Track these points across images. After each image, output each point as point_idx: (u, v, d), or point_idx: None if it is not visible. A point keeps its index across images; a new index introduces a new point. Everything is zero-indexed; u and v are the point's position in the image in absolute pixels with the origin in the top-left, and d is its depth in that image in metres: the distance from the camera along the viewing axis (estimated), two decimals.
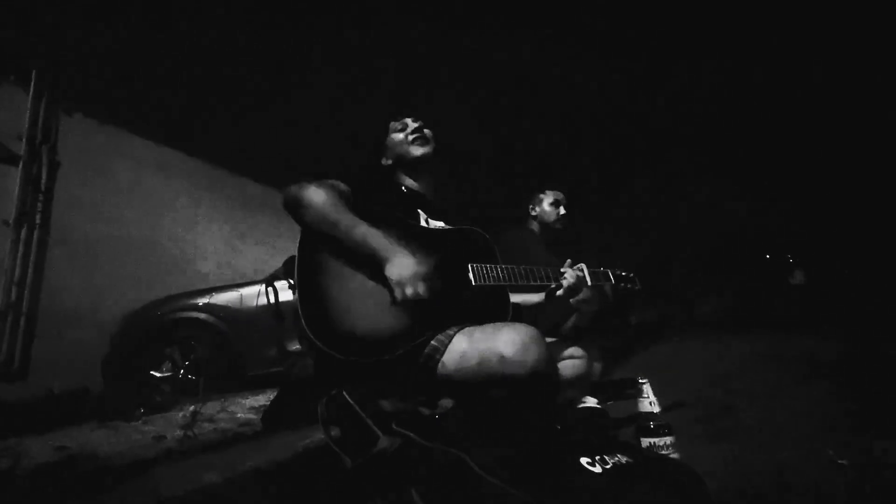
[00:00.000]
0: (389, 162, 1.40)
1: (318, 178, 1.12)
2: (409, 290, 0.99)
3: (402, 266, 1.01)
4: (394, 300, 1.01)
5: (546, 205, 2.35)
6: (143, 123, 4.77)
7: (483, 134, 6.30)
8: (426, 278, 1.01)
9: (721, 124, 7.08)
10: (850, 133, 6.65)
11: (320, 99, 5.36)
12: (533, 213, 2.38)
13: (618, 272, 1.45)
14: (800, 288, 7.83)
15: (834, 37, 5.34)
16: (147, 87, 4.57)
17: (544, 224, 2.35)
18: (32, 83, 4.05)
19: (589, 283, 1.32)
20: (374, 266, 1.04)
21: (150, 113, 4.74)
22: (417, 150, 1.34)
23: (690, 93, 6.47)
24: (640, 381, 1.33)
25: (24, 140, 3.96)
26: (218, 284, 3.84)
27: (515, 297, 1.31)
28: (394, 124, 1.40)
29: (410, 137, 1.35)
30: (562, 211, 2.34)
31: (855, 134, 6.63)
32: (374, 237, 1.04)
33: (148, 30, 4.14)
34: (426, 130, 1.37)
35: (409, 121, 1.38)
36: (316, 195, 1.06)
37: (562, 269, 1.29)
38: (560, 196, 2.37)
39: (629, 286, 1.46)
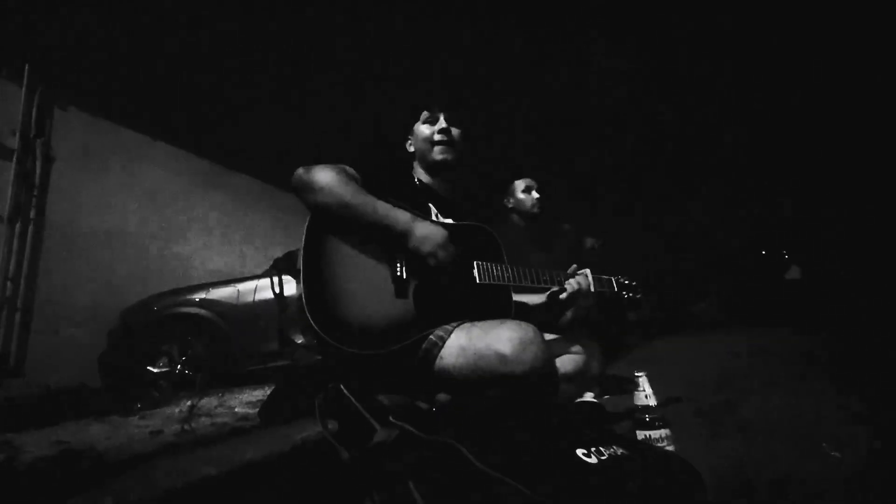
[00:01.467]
0: (412, 150, 1.38)
1: (326, 163, 1.09)
2: (441, 254, 0.99)
3: (430, 232, 1.02)
4: (396, 282, 1.00)
5: (519, 193, 2.33)
6: (137, 118, 4.74)
7: (478, 139, 6.29)
8: (452, 241, 1.02)
9: (717, 122, 7.09)
10: (847, 129, 6.68)
11: (318, 95, 5.33)
12: (509, 206, 2.36)
13: (621, 280, 1.45)
14: (795, 284, 7.86)
15: (830, 33, 5.35)
16: (142, 82, 4.54)
17: (522, 213, 2.33)
18: (26, 77, 4.02)
19: (592, 289, 1.32)
20: (382, 252, 1.04)
21: (144, 107, 4.70)
22: (438, 156, 1.31)
23: (686, 90, 6.47)
24: (637, 374, 1.34)
25: (17, 135, 3.93)
26: (214, 280, 3.83)
27: (517, 296, 1.31)
28: (426, 113, 1.35)
29: (436, 138, 1.31)
30: (535, 195, 2.31)
31: (852, 130, 6.65)
32: (392, 210, 1.04)
33: (143, 23, 4.11)
34: (455, 131, 1.33)
35: (441, 118, 1.33)
36: (327, 176, 1.04)
37: (567, 272, 1.30)
38: (530, 181, 2.34)
39: (632, 294, 1.46)
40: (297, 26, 4.59)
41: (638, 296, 1.47)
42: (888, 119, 5.96)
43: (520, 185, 2.34)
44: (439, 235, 1.04)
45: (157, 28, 4.18)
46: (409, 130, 1.39)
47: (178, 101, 4.77)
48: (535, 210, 2.31)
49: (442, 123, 1.32)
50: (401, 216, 1.04)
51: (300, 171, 1.07)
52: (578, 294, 1.27)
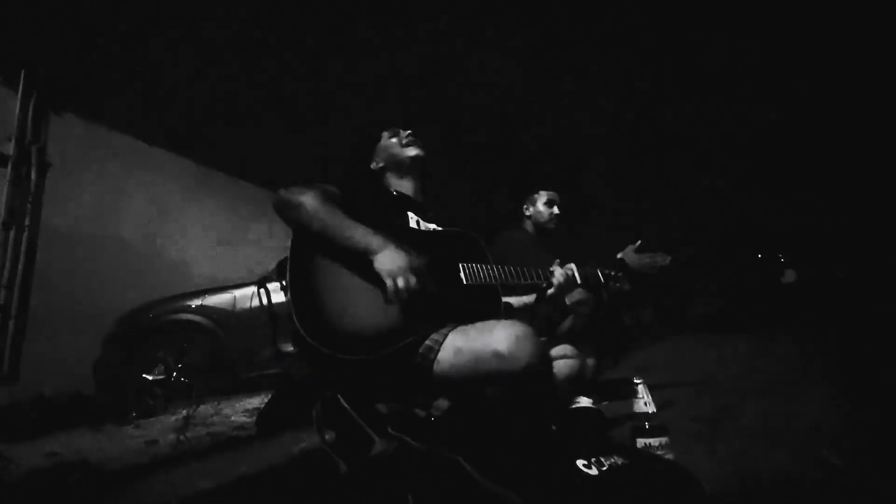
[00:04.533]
0: (381, 164, 1.43)
1: (306, 182, 1.14)
2: (400, 282, 0.99)
3: (392, 258, 1.02)
4: (386, 296, 1.02)
5: (540, 205, 2.37)
6: (134, 123, 4.72)
7: (483, 133, 6.32)
8: (417, 272, 1.02)
9: (715, 123, 7.13)
10: (844, 131, 6.72)
11: (314, 101, 5.33)
12: (527, 213, 2.40)
13: (606, 271, 1.47)
14: (791, 287, 7.90)
15: (831, 34, 5.39)
16: (138, 87, 4.53)
17: (538, 224, 2.37)
18: (21, 83, 3.99)
19: (579, 281, 1.34)
20: (365, 263, 1.05)
21: (140, 113, 4.69)
22: (411, 151, 1.38)
23: (685, 91, 6.51)
24: (635, 381, 1.33)
25: (13, 141, 3.90)
26: (211, 286, 3.81)
27: (508, 299, 1.32)
28: (386, 133, 1.44)
29: (404, 141, 1.39)
30: (555, 210, 2.36)
31: (850, 132, 6.70)
32: (363, 234, 1.05)
33: (140, 28, 4.10)
34: (418, 139, 1.41)
35: (400, 130, 1.43)
36: (305, 197, 1.08)
37: (551, 269, 1.31)
38: (554, 195, 2.39)
39: (618, 285, 1.48)
40: (296, 30, 4.60)
41: (626, 287, 1.48)
42: (887, 120, 6.00)
43: (543, 196, 2.38)
44: (400, 262, 1.03)
45: (154, 33, 4.18)
46: (371, 153, 1.45)
47: (174, 106, 4.76)
48: (551, 225, 2.36)
49: (405, 132, 1.41)
50: (369, 240, 1.05)
51: (282, 192, 1.11)
52: (565, 286, 1.30)
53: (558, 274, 1.30)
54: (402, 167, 1.39)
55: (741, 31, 5.52)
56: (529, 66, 5.67)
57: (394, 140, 1.41)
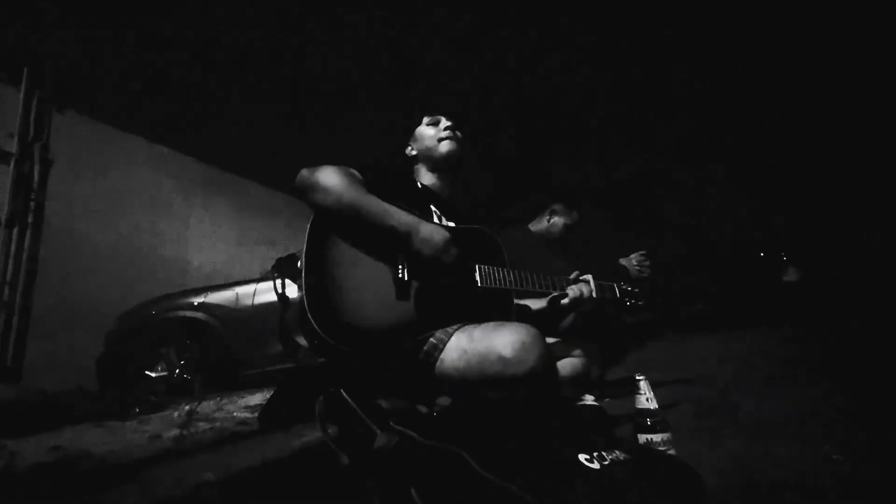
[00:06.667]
0: (414, 153, 1.40)
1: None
2: (444, 256, 1.01)
3: (434, 232, 1.03)
4: (398, 284, 1.02)
5: (561, 223, 2.39)
6: (136, 121, 4.73)
7: (485, 137, 6.33)
8: (454, 243, 1.04)
9: (715, 121, 7.11)
10: (845, 130, 6.70)
11: (319, 97, 5.33)
12: (548, 221, 2.42)
13: (623, 286, 1.45)
14: (794, 285, 7.89)
15: (829, 34, 5.37)
16: (140, 84, 4.54)
17: (549, 233, 2.41)
18: (24, 80, 4.00)
19: (595, 295, 1.32)
20: (392, 245, 1.04)
21: (143, 110, 4.70)
22: (445, 147, 1.34)
23: (685, 89, 6.49)
24: (637, 377, 1.33)
25: (15, 138, 3.91)
26: (213, 283, 3.82)
27: (520, 300, 1.31)
28: (427, 118, 1.40)
29: (442, 134, 1.35)
30: (564, 231, 2.41)
31: (850, 131, 6.68)
32: (397, 211, 1.05)
33: (142, 25, 4.11)
34: (458, 132, 1.37)
35: (442, 118, 1.38)
36: (332, 177, 1.05)
37: (569, 277, 1.30)
38: (577, 219, 2.43)
39: (634, 301, 1.47)
40: (299, 31, 4.60)
41: (640, 302, 1.47)
42: (887, 121, 5.98)
43: (570, 218, 2.41)
44: (442, 236, 1.05)
45: (156, 30, 4.18)
46: (409, 136, 1.42)
47: (177, 104, 4.77)
48: (558, 241, 2.40)
49: (447, 122, 1.37)
50: (405, 217, 1.05)
51: (305, 171, 1.07)
52: (580, 300, 1.28)
53: (575, 287, 1.28)
54: (433, 162, 1.36)
55: (741, 32, 5.51)
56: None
57: (432, 131, 1.37)
